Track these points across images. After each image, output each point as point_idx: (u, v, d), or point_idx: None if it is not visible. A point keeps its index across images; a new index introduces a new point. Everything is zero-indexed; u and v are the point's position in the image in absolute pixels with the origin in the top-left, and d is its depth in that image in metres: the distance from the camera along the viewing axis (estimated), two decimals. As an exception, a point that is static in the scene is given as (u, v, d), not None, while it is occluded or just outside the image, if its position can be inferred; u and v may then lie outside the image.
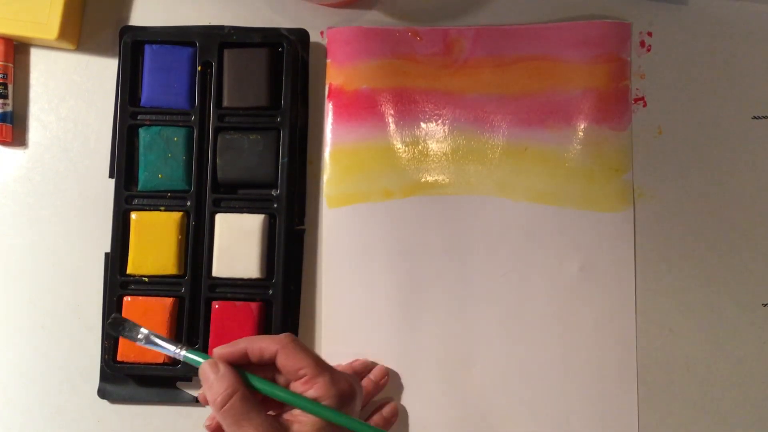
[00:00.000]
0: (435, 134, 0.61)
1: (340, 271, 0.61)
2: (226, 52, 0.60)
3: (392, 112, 0.61)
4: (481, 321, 0.60)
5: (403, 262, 0.60)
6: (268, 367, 0.45)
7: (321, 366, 0.44)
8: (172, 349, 0.46)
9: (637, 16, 0.62)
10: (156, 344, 0.47)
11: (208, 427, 0.46)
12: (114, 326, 0.48)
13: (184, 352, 0.46)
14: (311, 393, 0.43)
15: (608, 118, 0.60)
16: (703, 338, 0.60)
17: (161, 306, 0.59)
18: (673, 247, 0.60)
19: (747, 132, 0.61)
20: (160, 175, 0.60)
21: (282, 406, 0.45)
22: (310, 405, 0.42)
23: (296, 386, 0.44)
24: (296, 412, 0.44)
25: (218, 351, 0.45)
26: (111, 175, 0.61)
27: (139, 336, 0.47)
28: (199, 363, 0.45)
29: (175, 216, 0.59)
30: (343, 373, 0.45)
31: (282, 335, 0.45)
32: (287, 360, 0.43)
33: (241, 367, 0.44)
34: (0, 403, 0.61)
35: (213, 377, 0.43)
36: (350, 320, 0.60)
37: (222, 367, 0.43)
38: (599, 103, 0.60)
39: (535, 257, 0.60)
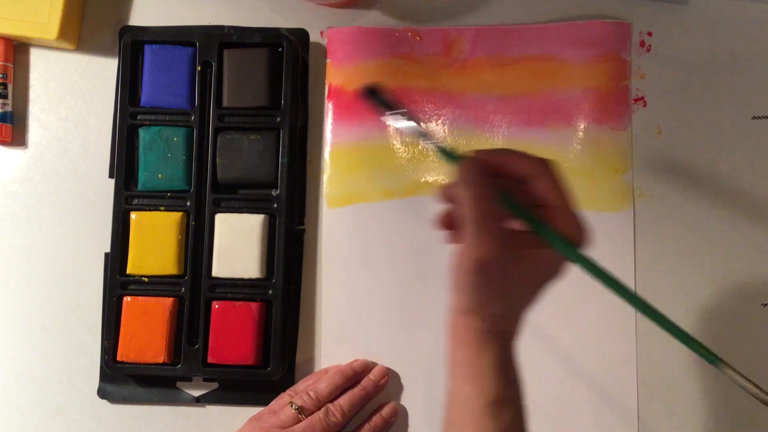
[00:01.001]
0: (435, 134, 0.61)
1: (340, 271, 0.61)
2: (226, 52, 0.60)
3: (392, 112, 0.61)
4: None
5: (403, 262, 0.60)
6: (510, 183, 0.42)
7: (569, 206, 0.41)
8: (430, 143, 0.44)
9: (637, 16, 0.62)
10: (414, 130, 0.45)
11: (439, 220, 0.44)
12: (372, 93, 0.45)
13: (434, 144, 0.44)
14: (552, 228, 0.40)
15: (608, 118, 0.60)
16: (703, 338, 0.59)
17: (161, 306, 0.59)
18: (673, 247, 0.60)
19: (747, 132, 0.61)
20: (160, 175, 0.60)
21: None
22: (554, 237, 0.40)
23: (537, 213, 0.41)
24: (530, 236, 0.41)
25: (478, 153, 0.42)
26: (111, 175, 0.61)
27: (397, 115, 0.45)
28: (454, 160, 0.42)
29: (175, 216, 0.59)
30: (586, 225, 0.41)
31: (542, 158, 0.41)
32: (542, 186, 0.40)
33: (491, 175, 0.41)
34: (0, 403, 0.61)
35: (474, 174, 0.40)
36: (350, 320, 0.60)
37: (485, 168, 0.40)
38: (599, 103, 0.60)
39: (535, 257, 0.60)
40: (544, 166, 0.41)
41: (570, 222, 0.41)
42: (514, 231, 0.42)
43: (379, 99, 0.46)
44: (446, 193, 0.43)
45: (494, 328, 0.41)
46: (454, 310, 0.42)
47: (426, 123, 0.61)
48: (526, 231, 0.41)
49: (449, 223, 0.44)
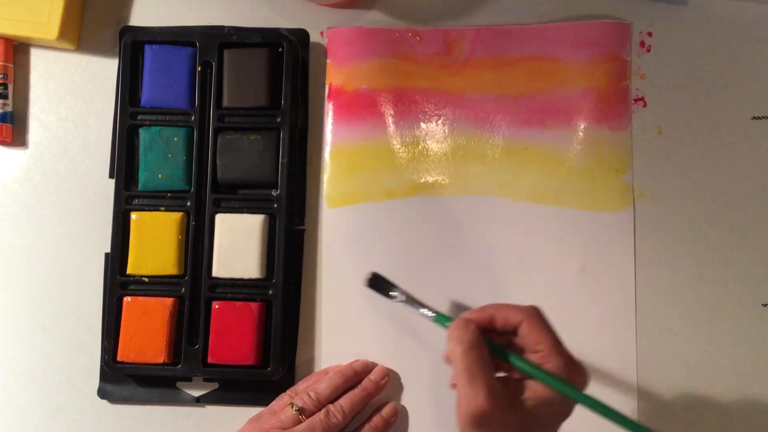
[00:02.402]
0: (435, 134, 0.61)
1: (340, 271, 0.61)
2: (226, 52, 0.60)
3: (392, 112, 0.61)
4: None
5: (403, 262, 0.60)
6: (503, 336, 0.46)
7: (559, 347, 0.44)
8: (426, 312, 0.51)
9: (637, 16, 0.62)
10: (412, 304, 0.53)
11: (453, 386, 0.47)
12: (374, 283, 0.54)
13: (433, 314, 0.50)
14: (545, 369, 0.43)
15: (608, 118, 0.60)
16: (703, 338, 0.60)
17: (161, 306, 0.59)
18: (673, 247, 0.60)
19: (747, 132, 0.61)
20: (160, 175, 0.60)
21: (508, 372, 0.46)
22: (549, 377, 0.43)
23: (530, 358, 0.44)
24: (528, 382, 0.44)
25: (467, 314, 0.46)
26: (111, 175, 0.61)
27: (397, 296, 0.54)
28: (447, 323, 0.47)
29: (175, 216, 0.59)
30: (579, 362, 0.44)
31: (528, 306, 0.45)
32: (530, 332, 0.44)
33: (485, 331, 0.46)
34: (0, 403, 0.61)
35: (462, 332, 0.44)
36: (350, 320, 0.60)
37: (472, 326, 0.45)
38: (599, 103, 0.60)
39: (535, 257, 0.60)
40: (529, 312, 0.44)
41: (563, 361, 0.43)
42: (512, 380, 0.45)
43: (381, 287, 0.55)
44: (446, 357, 0.46)
45: None
46: None
47: (426, 123, 0.61)
48: (524, 378, 0.44)
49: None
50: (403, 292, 0.54)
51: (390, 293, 0.55)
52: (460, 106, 0.61)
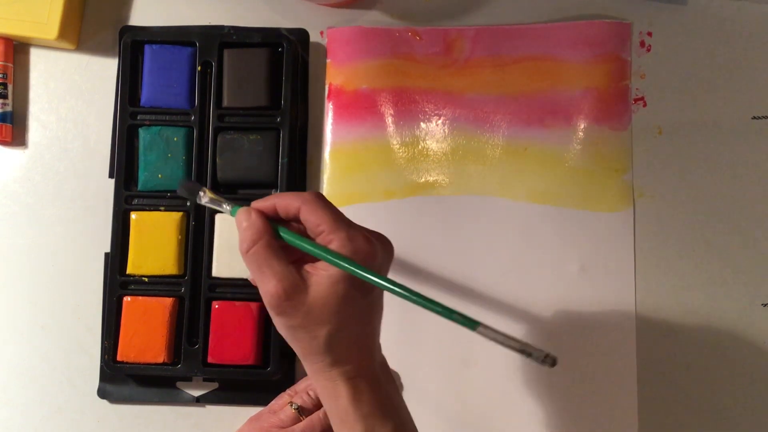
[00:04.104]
0: (435, 134, 0.61)
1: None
2: (226, 52, 0.60)
3: (392, 112, 0.61)
4: (481, 321, 0.59)
5: (403, 262, 0.60)
6: (299, 223, 0.45)
7: (339, 222, 0.43)
8: (226, 207, 0.47)
9: (637, 16, 0.62)
10: (215, 204, 0.48)
11: (252, 280, 0.46)
12: (187, 189, 0.49)
13: (230, 208, 0.47)
14: (330, 248, 0.42)
15: (608, 118, 0.60)
16: (702, 338, 0.60)
17: (161, 306, 0.59)
18: (673, 247, 0.60)
19: (747, 132, 0.61)
20: (160, 175, 0.60)
21: (305, 259, 0.44)
22: (330, 256, 0.42)
23: (317, 241, 0.43)
24: (318, 264, 0.43)
25: (254, 203, 0.45)
26: (111, 175, 0.61)
27: (203, 198, 0.48)
28: (233, 211, 0.45)
29: (175, 216, 0.59)
30: (364, 230, 0.43)
31: (307, 192, 0.44)
32: (308, 215, 0.43)
33: (276, 221, 0.44)
34: (0, 403, 0.61)
35: (245, 225, 0.44)
36: (350, 320, 0.60)
37: (253, 215, 0.44)
38: (599, 103, 0.60)
39: (535, 257, 0.60)
40: (306, 197, 0.43)
41: (343, 237, 0.42)
42: (309, 264, 0.44)
43: (192, 192, 0.49)
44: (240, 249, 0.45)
45: (333, 365, 0.43)
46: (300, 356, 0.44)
47: (426, 123, 0.61)
48: (318, 260, 0.43)
49: None
50: (206, 193, 0.49)
51: (197, 198, 0.49)
52: (460, 106, 0.61)
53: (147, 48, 0.61)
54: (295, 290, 0.41)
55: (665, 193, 0.60)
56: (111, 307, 0.59)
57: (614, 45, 0.61)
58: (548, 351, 0.38)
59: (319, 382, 0.44)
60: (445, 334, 0.60)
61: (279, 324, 0.43)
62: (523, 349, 0.39)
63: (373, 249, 0.42)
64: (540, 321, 0.60)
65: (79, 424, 0.60)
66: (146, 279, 0.59)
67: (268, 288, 0.42)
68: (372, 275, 0.41)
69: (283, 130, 0.59)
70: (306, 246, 0.43)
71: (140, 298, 0.59)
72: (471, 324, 0.40)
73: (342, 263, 0.41)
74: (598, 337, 0.59)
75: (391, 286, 0.41)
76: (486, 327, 0.40)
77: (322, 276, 0.42)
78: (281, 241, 0.44)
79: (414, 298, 0.41)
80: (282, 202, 0.44)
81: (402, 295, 0.41)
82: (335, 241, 0.42)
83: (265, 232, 0.43)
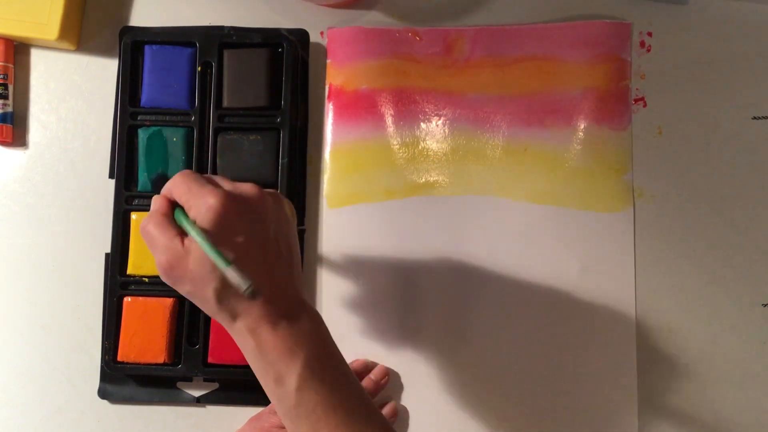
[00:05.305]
0: (435, 134, 0.61)
1: (340, 271, 0.61)
2: (226, 53, 0.60)
3: (392, 112, 0.61)
4: (481, 321, 0.60)
5: (403, 262, 0.60)
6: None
7: (192, 191, 0.44)
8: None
9: (637, 16, 0.62)
10: None
11: None
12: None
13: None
14: (191, 216, 0.44)
15: (608, 118, 0.60)
16: (703, 338, 0.60)
17: (161, 306, 0.59)
18: (673, 247, 0.60)
19: (747, 132, 0.61)
20: (160, 176, 0.60)
21: None
22: (185, 223, 0.43)
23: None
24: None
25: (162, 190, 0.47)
26: (111, 176, 0.61)
27: None
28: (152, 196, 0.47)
29: (175, 216, 0.59)
30: (221, 185, 0.44)
31: (177, 173, 0.46)
32: (176, 196, 0.45)
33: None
34: (0, 403, 0.61)
35: (152, 207, 0.46)
36: (350, 320, 0.60)
37: (155, 198, 0.46)
38: (599, 103, 0.60)
39: (535, 257, 0.60)
40: (172, 180, 0.45)
41: (198, 206, 0.43)
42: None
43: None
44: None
45: (233, 320, 0.44)
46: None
47: (426, 123, 0.61)
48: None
49: None
50: None
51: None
52: (460, 106, 0.61)
53: (147, 48, 0.61)
54: (177, 259, 0.43)
55: (665, 193, 0.61)
56: (111, 307, 0.59)
57: (614, 45, 0.61)
58: (251, 284, 0.40)
59: (235, 340, 0.45)
60: (445, 335, 0.60)
61: (182, 294, 0.45)
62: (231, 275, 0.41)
63: (223, 200, 0.43)
64: (540, 321, 0.60)
65: (80, 425, 0.60)
66: (146, 279, 0.59)
67: (158, 261, 0.44)
68: (205, 245, 0.42)
69: (283, 130, 0.59)
70: (181, 221, 0.44)
71: (140, 298, 0.59)
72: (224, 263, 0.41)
73: (190, 229, 0.43)
74: (598, 337, 0.59)
75: (204, 243, 0.42)
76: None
77: (189, 249, 0.43)
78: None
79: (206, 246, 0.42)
80: (168, 187, 0.46)
81: (205, 247, 0.42)
82: (192, 209, 0.44)
83: (156, 212, 0.45)
